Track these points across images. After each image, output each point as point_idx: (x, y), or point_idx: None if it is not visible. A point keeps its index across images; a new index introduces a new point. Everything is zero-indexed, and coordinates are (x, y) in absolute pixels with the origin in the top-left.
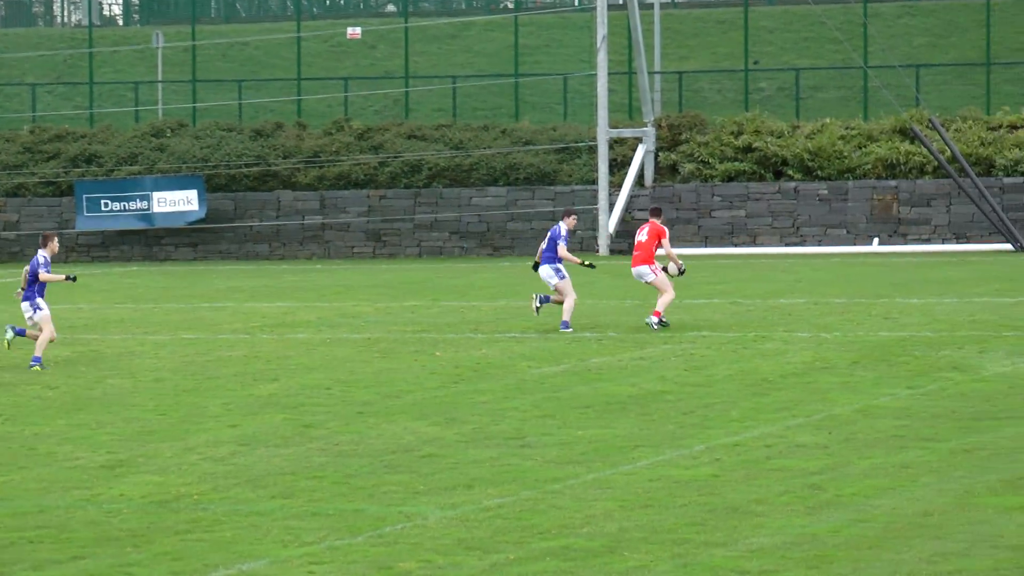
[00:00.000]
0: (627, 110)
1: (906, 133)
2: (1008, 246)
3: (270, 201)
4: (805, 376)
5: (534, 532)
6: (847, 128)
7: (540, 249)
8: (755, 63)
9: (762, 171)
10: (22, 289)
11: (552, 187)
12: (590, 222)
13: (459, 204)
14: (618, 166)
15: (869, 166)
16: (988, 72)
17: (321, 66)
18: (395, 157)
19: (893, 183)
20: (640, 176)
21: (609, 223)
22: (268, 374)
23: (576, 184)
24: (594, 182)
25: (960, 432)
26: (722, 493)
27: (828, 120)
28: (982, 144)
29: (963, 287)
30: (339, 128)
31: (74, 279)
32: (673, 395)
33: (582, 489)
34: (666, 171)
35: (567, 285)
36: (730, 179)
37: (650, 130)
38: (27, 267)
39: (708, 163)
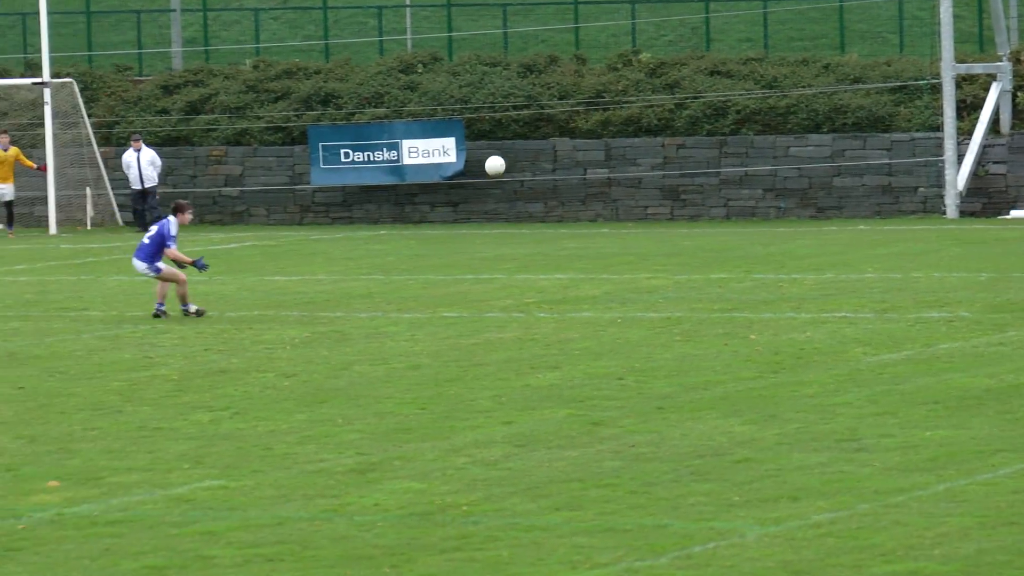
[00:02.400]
0: (977, 41)
1: None
2: None
3: (544, 151)
4: None
5: (874, 553)
6: None
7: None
8: None
9: None
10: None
11: (887, 134)
12: (935, 177)
13: (774, 155)
14: (967, 109)
15: None
16: None
17: None
18: (695, 98)
19: None
20: (995, 121)
21: (958, 179)
22: (547, 360)
23: (916, 131)
24: (938, 128)
25: None
26: None
27: None
28: None
29: None
30: (626, 62)
31: (205, 267)
32: None
33: (931, 502)
34: None
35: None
36: None
37: (1006, 64)
38: (156, 226)
39: None
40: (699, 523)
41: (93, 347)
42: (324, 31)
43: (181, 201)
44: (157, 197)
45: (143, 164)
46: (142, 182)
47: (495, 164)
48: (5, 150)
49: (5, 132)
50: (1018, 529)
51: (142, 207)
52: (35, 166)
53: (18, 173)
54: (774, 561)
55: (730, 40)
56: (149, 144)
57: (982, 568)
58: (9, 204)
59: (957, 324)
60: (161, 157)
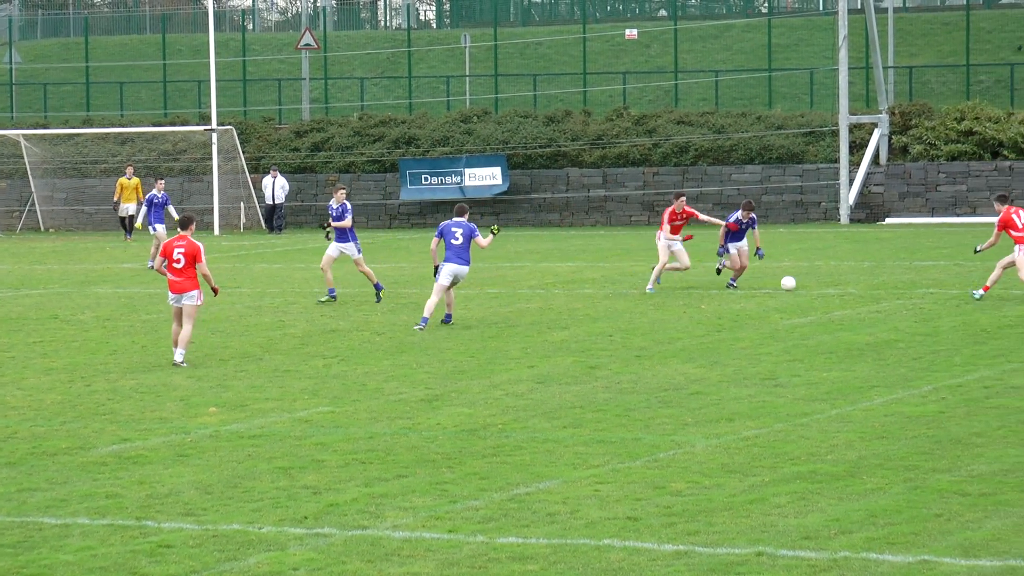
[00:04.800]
0: (864, 99)
1: None
2: None
3: (560, 177)
4: (1020, 327)
5: (785, 458)
6: None
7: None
8: (1020, 48)
9: (981, 152)
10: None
11: (800, 165)
12: (832, 195)
13: (721, 180)
14: (856, 147)
15: None
16: None
17: (603, 62)
18: (666, 140)
19: None
20: (876, 156)
21: (849, 196)
22: (560, 323)
23: (820, 163)
24: (836, 161)
25: None
26: (947, 427)
27: None
28: None
29: None
30: (619, 115)
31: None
32: (904, 343)
33: (826, 423)
34: (898, 152)
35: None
36: (953, 159)
37: (884, 116)
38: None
39: (934, 145)
40: (664, 437)
41: (243, 313)
42: (409, 93)
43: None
44: (283, 210)
45: (276, 187)
46: (274, 199)
47: (788, 283)
48: (129, 179)
49: (131, 165)
50: (888, 442)
51: (271, 216)
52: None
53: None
54: (715, 464)
55: (692, 99)
56: (284, 172)
57: (862, 468)
58: (131, 218)
59: (847, 298)
60: (289, 182)
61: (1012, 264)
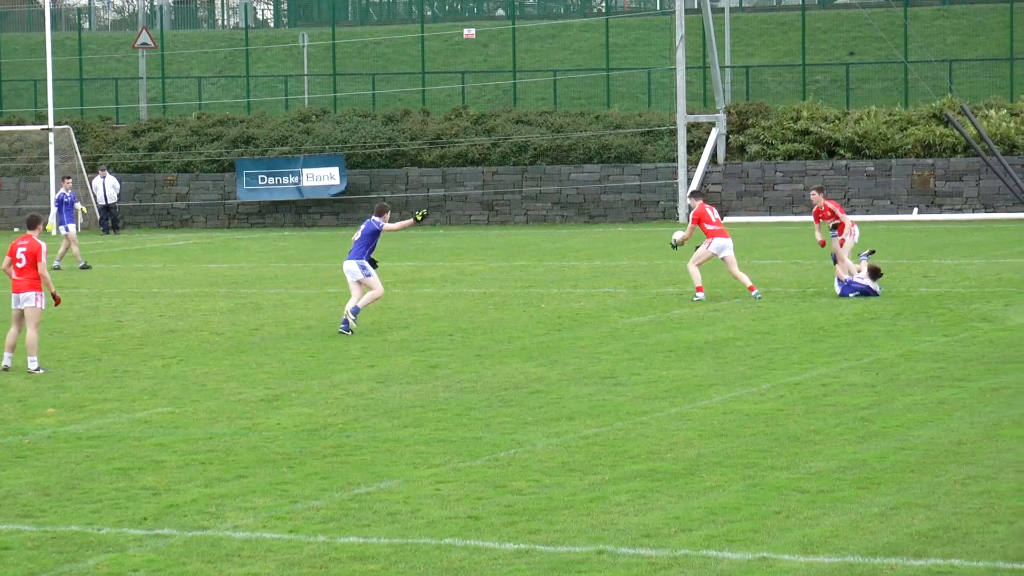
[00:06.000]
0: (702, 99)
1: (941, 118)
2: None
3: (400, 176)
4: (855, 326)
5: (625, 457)
6: (890, 114)
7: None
8: (851, 54)
9: (817, 151)
10: None
11: (638, 164)
12: (671, 194)
13: (559, 179)
14: (694, 147)
15: (909, 146)
16: (1011, 66)
17: (441, 62)
18: (505, 139)
19: (930, 161)
20: (713, 155)
21: (687, 195)
22: (399, 322)
23: (659, 162)
24: (674, 160)
25: (988, 374)
26: (785, 424)
27: (873, 107)
28: (1006, 127)
29: (990, 250)
30: (457, 114)
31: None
32: (743, 341)
33: (666, 421)
34: (735, 151)
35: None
36: (790, 158)
37: (722, 116)
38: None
39: (771, 144)
40: (504, 436)
41: (80, 314)
42: (247, 92)
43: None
44: (119, 210)
45: (107, 187)
46: (106, 199)
47: (677, 236)
48: None
49: None
50: (727, 440)
51: (106, 216)
52: None
53: None
54: (556, 462)
55: (530, 98)
56: (116, 172)
57: (701, 466)
58: None
59: (685, 296)
60: (127, 182)
61: (702, 260)
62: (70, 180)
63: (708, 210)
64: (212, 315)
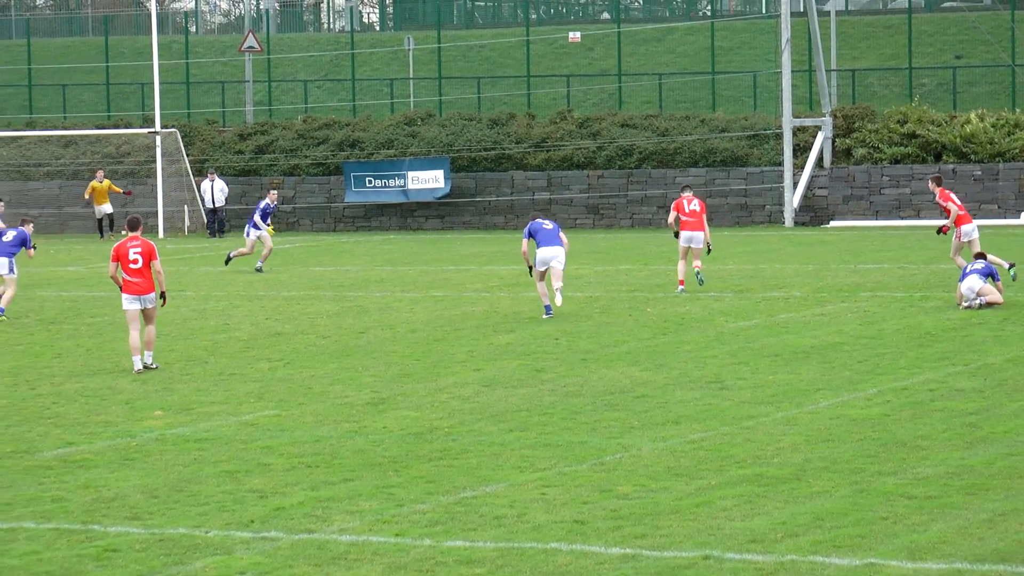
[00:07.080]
0: (807, 102)
1: None
2: None
3: (505, 180)
4: (963, 330)
5: (731, 461)
6: (997, 118)
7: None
8: (957, 57)
9: (924, 154)
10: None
11: (744, 168)
12: (776, 198)
13: (665, 182)
14: (800, 150)
15: (1017, 151)
16: None
17: (547, 65)
18: (610, 143)
19: None
20: (819, 159)
21: (793, 199)
22: (505, 326)
23: (764, 166)
24: (780, 164)
25: None
26: (892, 430)
27: (981, 111)
28: None
29: None
30: (562, 118)
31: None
32: (849, 346)
33: (772, 425)
34: (841, 155)
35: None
36: (896, 161)
37: (827, 120)
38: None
39: (877, 148)
40: (610, 440)
41: (187, 316)
42: (352, 96)
43: (25, 216)
44: (225, 214)
45: (215, 191)
46: (214, 202)
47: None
48: (100, 182)
49: (101, 169)
50: (833, 445)
51: (212, 220)
52: (122, 191)
53: (113, 197)
54: (661, 467)
55: (636, 102)
56: (227, 175)
57: (807, 472)
58: (108, 218)
59: (791, 301)
60: (233, 185)
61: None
62: (275, 192)
63: (686, 201)
64: (318, 318)
